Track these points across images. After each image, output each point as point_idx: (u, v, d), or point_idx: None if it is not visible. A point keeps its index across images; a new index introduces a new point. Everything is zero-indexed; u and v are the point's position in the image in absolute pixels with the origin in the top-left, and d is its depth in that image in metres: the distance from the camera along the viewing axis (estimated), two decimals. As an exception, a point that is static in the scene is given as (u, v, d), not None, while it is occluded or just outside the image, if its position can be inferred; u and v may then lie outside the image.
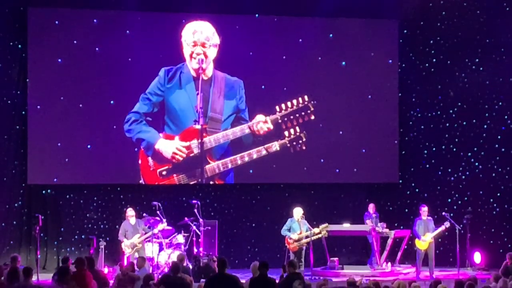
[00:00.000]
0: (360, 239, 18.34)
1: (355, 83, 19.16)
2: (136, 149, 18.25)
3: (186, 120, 18.37)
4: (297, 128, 18.81)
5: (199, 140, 18.23)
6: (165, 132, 18.34)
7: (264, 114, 18.68)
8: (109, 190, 18.47)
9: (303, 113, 18.85)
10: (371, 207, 17.86)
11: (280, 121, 18.77)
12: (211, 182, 18.61)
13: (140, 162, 18.25)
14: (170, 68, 18.39)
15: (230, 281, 10.75)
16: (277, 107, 18.74)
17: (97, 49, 18.14)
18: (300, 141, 18.83)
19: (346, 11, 18.98)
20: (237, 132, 18.61)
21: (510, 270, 13.43)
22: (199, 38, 18.42)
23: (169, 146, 18.26)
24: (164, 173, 18.30)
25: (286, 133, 18.80)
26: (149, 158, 18.27)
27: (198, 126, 18.20)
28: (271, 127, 18.67)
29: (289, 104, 18.79)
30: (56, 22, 18.02)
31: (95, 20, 18.19)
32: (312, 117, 18.90)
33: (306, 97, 18.86)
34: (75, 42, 18.05)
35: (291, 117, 18.81)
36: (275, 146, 18.74)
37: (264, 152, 18.69)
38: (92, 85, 18.12)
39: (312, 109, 18.85)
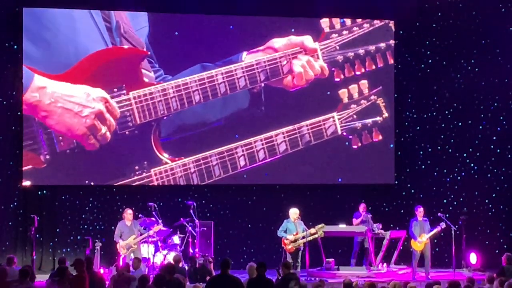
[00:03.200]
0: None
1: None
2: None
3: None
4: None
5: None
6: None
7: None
8: (104, 191, 18.42)
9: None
10: (362, 207, 17.83)
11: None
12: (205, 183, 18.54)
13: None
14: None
15: (233, 283, 10.66)
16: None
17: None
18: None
19: (342, 11, 18.97)
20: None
21: (506, 271, 13.42)
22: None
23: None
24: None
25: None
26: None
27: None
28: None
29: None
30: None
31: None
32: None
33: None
34: (70, 42, 18.04)
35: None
36: None
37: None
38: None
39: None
